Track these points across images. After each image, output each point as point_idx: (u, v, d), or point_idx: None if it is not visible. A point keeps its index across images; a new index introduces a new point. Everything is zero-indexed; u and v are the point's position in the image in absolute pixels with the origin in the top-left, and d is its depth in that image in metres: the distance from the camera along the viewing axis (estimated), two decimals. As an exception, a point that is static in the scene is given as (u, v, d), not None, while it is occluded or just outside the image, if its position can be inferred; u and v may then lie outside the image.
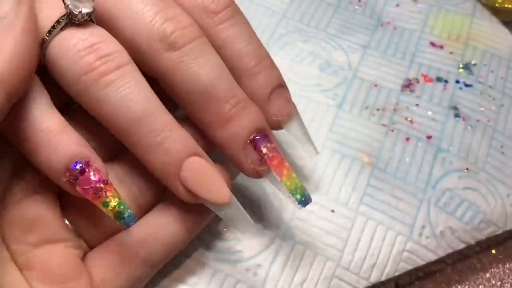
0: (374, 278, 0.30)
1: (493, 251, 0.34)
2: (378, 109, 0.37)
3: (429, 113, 0.36)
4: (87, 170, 0.23)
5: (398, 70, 0.39)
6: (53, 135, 0.22)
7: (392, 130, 0.35)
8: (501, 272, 0.34)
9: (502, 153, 0.35)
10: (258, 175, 0.26)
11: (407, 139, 0.35)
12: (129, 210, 0.23)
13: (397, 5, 0.42)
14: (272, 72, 0.28)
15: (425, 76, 0.38)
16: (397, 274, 0.31)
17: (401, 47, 0.40)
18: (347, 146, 0.35)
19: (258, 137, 0.25)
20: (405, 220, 0.32)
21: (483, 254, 0.34)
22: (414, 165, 0.34)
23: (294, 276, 0.30)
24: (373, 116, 0.36)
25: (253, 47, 0.27)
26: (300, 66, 0.39)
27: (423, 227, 0.32)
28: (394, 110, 0.36)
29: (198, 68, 0.25)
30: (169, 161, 0.24)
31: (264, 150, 0.25)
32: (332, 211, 0.32)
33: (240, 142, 0.25)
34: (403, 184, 0.33)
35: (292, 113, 0.28)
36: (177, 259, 0.29)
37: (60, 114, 0.24)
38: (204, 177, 0.24)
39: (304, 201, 0.26)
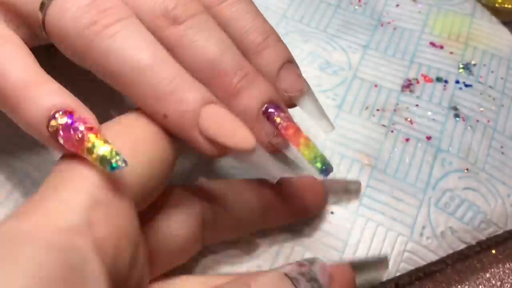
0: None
1: (493, 251, 0.34)
2: (378, 110, 0.36)
3: (429, 113, 0.36)
4: (69, 120, 0.21)
5: (398, 70, 0.39)
6: (32, 87, 0.21)
7: (392, 131, 0.35)
8: (501, 272, 0.34)
9: (502, 153, 0.35)
10: (274, 149, 0.25)
11: (407, 139, 0.35)
12: (117, 157, 0.20)
13: (397, 5, 0.42)
14: (280, 47, 0.27)
15: (425, 76, 0.38)
16: (398, 274, 0.31)
17: (401, 47, 0.40)
18: (347, 147, 0.35)
19: (270, 108, 0.25)
20: (406, 220, 0.32)
21: (483, 254, 0.34)
22: (414, 165, 0.34)
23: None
24: (373, 117, 0.36)
25: (258, 23, 0.27)
26: (300, 66, 0.38)
27: (423, 227, 0.32)
28: (394, 110, 0.36)
29: (203, 42, 0.24)
30: (186, 109, 0.22)
31: (278, 120, 0.24)
32: (332, 212, 0.32)
33: (252, 113, 0.24)
34: (403, 185, 0.33)
35: (304, 88, 0.27)
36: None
37: (39, 67, 0.23)
38: (226, 124, 0.23)
39: (326, 170, 0.24)
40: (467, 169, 0.34)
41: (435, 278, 0.33)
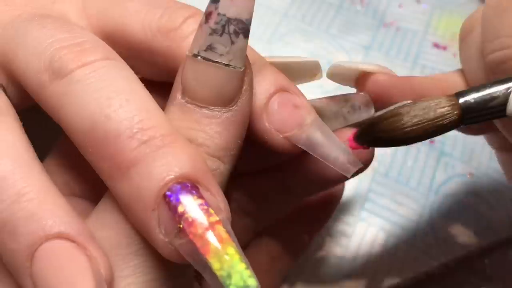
0: (375, 284, 0.30)
1: (496, 254, 0.34)
2: (380, 112, 0.36)
3: (432, 116, 0.36)
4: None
5: (401, 71, 0.38)
6: (28, 204, 0.16)
7: (394, 134, 0.35)
8: (504, 274, 0.34)
9: (506, 157, 0.35)
10: (179, 256, 0.16)
11: (410, 143, 0.35)
12: None
13: (400, 6, 0.42)
14: (269, 73, 0.20)
15: (428, 78, 0.38)
16: (398, 280, 0.31)
17: (404, 48, 0.39)
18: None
19: (177, 187, 0.16)
20: (407, 226, 0.32)
21: (485, 256, 0.34)
22: (417, 169, 0.34)
23: (294, 284, 0.30)
24: (375, 119, 0.36)
25: None
26: (301, 66, 0.38)
27: (425, 233, 0.32)
28: (397, 113, 0.36)
29: (88, 97, 0.17)
30: (17, 247, 0.16)
31: (181, 208, 0.16)
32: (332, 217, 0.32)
33: (146, 198, 0.16)
34: (406, 189, 0.33)
35: (303, 121, 0.20)
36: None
37: (41, 168, 0.18)
38: (65, 268, 0.16)
39: None
40: (470, 174, 0.34)
41: (437, 280, 0.33)
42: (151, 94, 0.18)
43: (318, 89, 0.37)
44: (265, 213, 0.26)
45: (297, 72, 0.24)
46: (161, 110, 0.18)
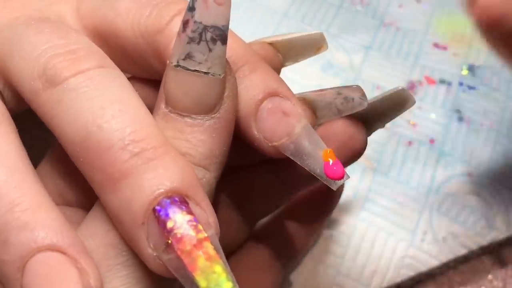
0: (375, 284, 0.30)
1: (496, 253, 0.34)
2: (380, 112, 0.36)
3: (432, 116, 0.36)
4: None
5: (401, 71, 0.38)
6: (20, 214, 0.16)
7: (395, 134, 0.35)
8: (504, 274, 0.34)
9: (505, 157, 0.35)
10: (166, 271, 0.16)
11: (410, 142, 0.35)
12: None
13: (400, 6, 0.42)
14: (261, 75, 0.20)
15: (428, 78, 0.38)
16: (398, 280, 0.31)
17: (404, 48, 0.40)
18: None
19: (166, 202, 0.16)
20: (407, 225, 0.32)
21: (485, 256, 0.34)
22: (417, 169, 0.34)
23: (294, 284, 0.30)
24: (375, 119, 0.36)
25: (235, 46, 0.20)
26: (301, 65, 0.38)
27: (425, 232, 0.32)
28: (397, 113, 0.36)
29: (82, 106, 0.17)
30: (8, 259, 0.16)
31: (170, 224, 0.16)
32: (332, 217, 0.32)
33: (136, 211, 0.16)
34: (405, 189, 0.33)
35: (292, 131, 0.19)
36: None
37: (35, 177, 0.17)
38: (56, 280, 0.16)
39: None
40: (469, 174, 0.34)
41: (436, 280, 0.33)
42: (146, 94, 0.18)
43: (317, 88, 0.37)
44: (261, 207, 0.26)
45: (302, 47, 0.24)
46: (153, 120, 0.18)
